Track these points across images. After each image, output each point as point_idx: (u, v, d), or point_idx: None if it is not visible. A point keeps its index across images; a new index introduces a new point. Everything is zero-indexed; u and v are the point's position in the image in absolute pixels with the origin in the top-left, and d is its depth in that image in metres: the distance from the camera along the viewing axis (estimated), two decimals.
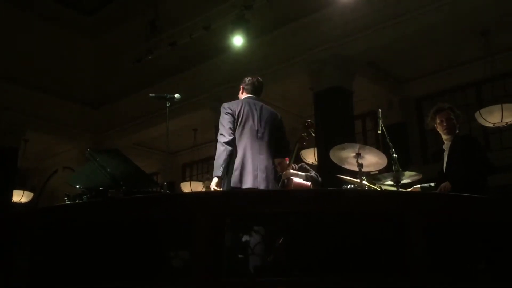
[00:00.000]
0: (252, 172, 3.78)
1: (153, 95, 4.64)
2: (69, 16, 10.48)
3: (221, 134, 3.84)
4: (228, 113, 3.91)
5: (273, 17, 8.09)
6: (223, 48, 8.19)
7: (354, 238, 2.78)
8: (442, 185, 3.81)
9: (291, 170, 4.74)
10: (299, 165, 5.16)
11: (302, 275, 2.70)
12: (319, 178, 4.94)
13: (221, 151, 3.77)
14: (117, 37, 10.65)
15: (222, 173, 3.77)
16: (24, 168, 11.35)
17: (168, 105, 4.44)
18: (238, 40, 7.46)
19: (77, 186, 4.14)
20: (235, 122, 3.89)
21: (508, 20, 7.11)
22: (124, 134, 11.13)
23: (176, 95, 4.44)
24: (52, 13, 10.20)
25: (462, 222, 2.88)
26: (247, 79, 4.27)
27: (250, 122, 3.93)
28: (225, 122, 3.87)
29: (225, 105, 4.00)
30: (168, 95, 4.45)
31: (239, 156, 3.80)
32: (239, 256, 2.92)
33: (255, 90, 4.24)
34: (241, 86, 4.26)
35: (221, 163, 3.75)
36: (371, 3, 7.22)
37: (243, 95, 4.22)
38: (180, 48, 8.58)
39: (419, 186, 4.15)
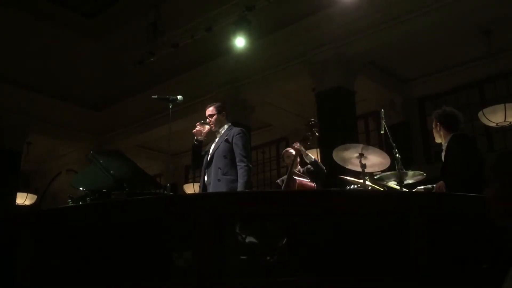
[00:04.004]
0: None
1: (156, 97, 4.66)
2: (72, 19, 10.51)
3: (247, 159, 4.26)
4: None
5: (275, 18, 8.09)
6: (225, 49, 8.19)
7: (357, 239, 2.77)
8: (437, 184, 3.80)
9: (297, 171, 4.75)
10: (306, 167, 5.11)
11: (305, 276, 2.69)
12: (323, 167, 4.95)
13: (249, 175, 4.20)
14: (119, 39, 10.68)
15: None
16: (27, 171, 11.38)
17: (170, 106, 4.45)
18: (240, 41, 7.46)
19: (80, 188, 4.16)
20: None
21: (510, 19, 7.09)
22: (127, 136, 11.13)
23: (179, 97, 4.46)
24: (55, 16, 10.23)
25: (464, 221, 2.87)
26: (223, 105, 4.68)
27: None
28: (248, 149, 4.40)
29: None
30: (171, 97, 4.46)
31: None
32: (242, 256, 2.92)
33: None
34: (223, 112, 4.56)
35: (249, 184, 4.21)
36: (373, 3, 7.21)
37: (225, 121, 4.55)
38: (182, 50, 8.59)
39: (422, 187, 4.14)
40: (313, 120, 4.73)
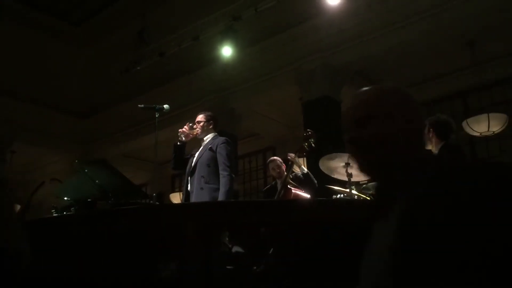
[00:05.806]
0: None
1: (142, 106, 4.63)
2: (58, 26, 10.44)
3: (231, 169, 4.23)
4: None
5: (262, 28, 8.13)
6: (212, 58, 8.20)
7: (345, 248, 2.77)
8: None
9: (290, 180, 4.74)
10: (294, 174, 5.11)
11: (292, 285, 2.68)
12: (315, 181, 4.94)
13: (231, 184, 4.16)
14: (106, 47, 10.63)
15: None
16: (10, 180, 11.18)
17: (157, 115, 4.43)
18: (227, 51, 7.48)
19: (65, 198, 4.10)
20: None
21: (493, 30, 7.22)
22: (112, 145, 11.05)
23: (165, 106, 4.45)
24: (40, 23, 10.15)
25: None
26: (214, 115, 4.62)
27: None
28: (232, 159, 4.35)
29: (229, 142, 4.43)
30: (157, 106, 4.45)
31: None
32: (228, 267, 2.90)
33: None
34: (212, 122, 4.52)
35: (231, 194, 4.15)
36: (359, 13, 7.30)
37: (212, 130, 4.51)
38: (169, 59, 8.58)
39: None
40: (310, 131, 4.72)
